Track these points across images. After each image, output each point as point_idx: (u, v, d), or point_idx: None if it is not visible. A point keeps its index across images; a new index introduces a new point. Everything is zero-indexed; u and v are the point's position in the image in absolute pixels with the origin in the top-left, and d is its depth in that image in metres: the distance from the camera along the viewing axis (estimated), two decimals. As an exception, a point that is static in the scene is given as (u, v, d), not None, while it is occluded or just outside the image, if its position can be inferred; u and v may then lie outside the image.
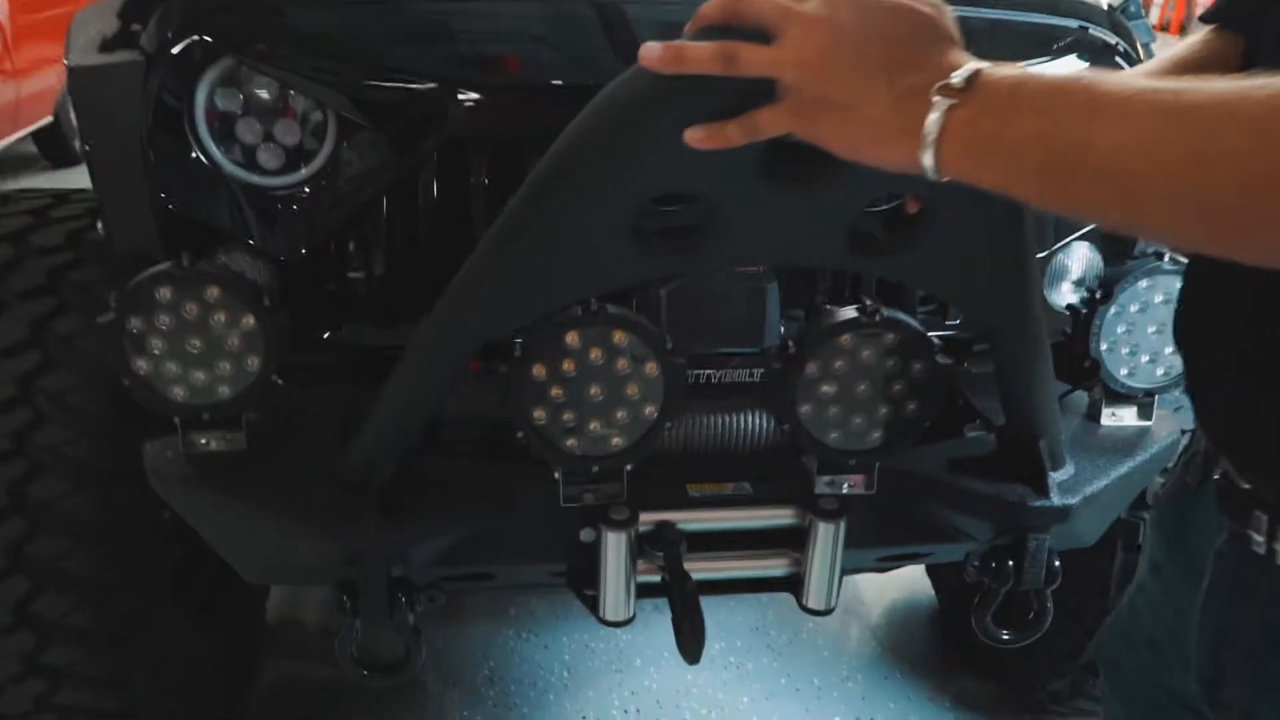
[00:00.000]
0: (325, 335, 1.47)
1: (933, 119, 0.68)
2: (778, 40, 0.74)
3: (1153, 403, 1.46)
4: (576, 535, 1.30)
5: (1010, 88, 0.67)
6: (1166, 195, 0.59)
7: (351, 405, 1.37)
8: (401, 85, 1.39)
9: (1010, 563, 1.33)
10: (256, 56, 1.38)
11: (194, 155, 1.40)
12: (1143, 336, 1.40)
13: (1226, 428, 0.83)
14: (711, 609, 1.26)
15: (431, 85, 1.38)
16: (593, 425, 1.19)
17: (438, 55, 1.45)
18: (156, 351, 1.23)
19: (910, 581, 2.67)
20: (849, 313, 1.17)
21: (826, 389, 1.21)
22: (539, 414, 1.18)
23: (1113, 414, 1.47)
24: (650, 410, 1.19)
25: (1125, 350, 1.40)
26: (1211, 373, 0.83)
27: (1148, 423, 1.47)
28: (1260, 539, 0.78)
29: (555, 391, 1.17)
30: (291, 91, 1.40)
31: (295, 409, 1.39)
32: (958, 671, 2.39)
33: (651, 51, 0.79)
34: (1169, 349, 1.41)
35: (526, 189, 0.95)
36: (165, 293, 1.21)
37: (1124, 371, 1.42)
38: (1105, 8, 1.58)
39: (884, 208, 1.03)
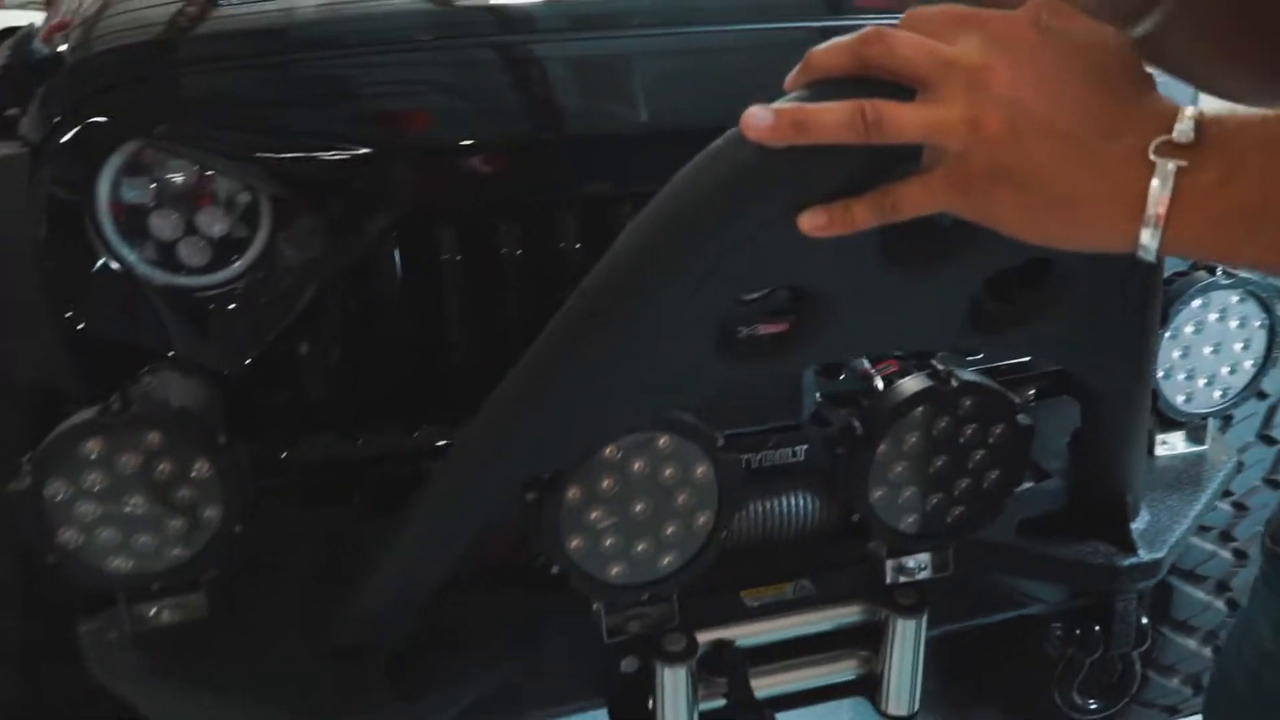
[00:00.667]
0: (282, 455, 1.25)
1: (1157, 186, 0.53)
2: (932, 94, 0.58)
3: (1205, 426, 1.36)
4: (618, 667, 1.11)
5: (1252, 139, 0.52)
6: None
7: (323, 536, 1.17)
8: (341, 155, 1.18)
9: (1097, 628, 1.19)
10: (167, 137, 1.15)
11: (100, 260, 1.16)
12: (1199, 359, 1.29)
13: None
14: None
15: (377, 152, 1.17)
16: (640, 547, 1.00)
17: (381, 116, 1.25)
18: (87, 519, 0.99)
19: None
20: (921, 382, 1.01)
21: (900, 469, 1.05)
22: (577, 543, 0.98)
23: (1164, 442, 1.36)
24: (704, 520, 1.01)
25: (1182, 375, 1.29)
26: None
27: (1202, 447, 1.36)
28: None
29: (594, 515, 0.98)
30: (212, 173, 1.17)
31: (259, 553, 1.16)
32: (966, 707, 2.29)
33: (759, 120, 0.61)
34: (1226, 369, 1.31)
35: (588, 294, 0.76)
36: (93, 447, 0.97)
37: (1181, 399, 1.30)
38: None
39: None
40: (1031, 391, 1.55)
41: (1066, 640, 1.21)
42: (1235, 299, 1.27)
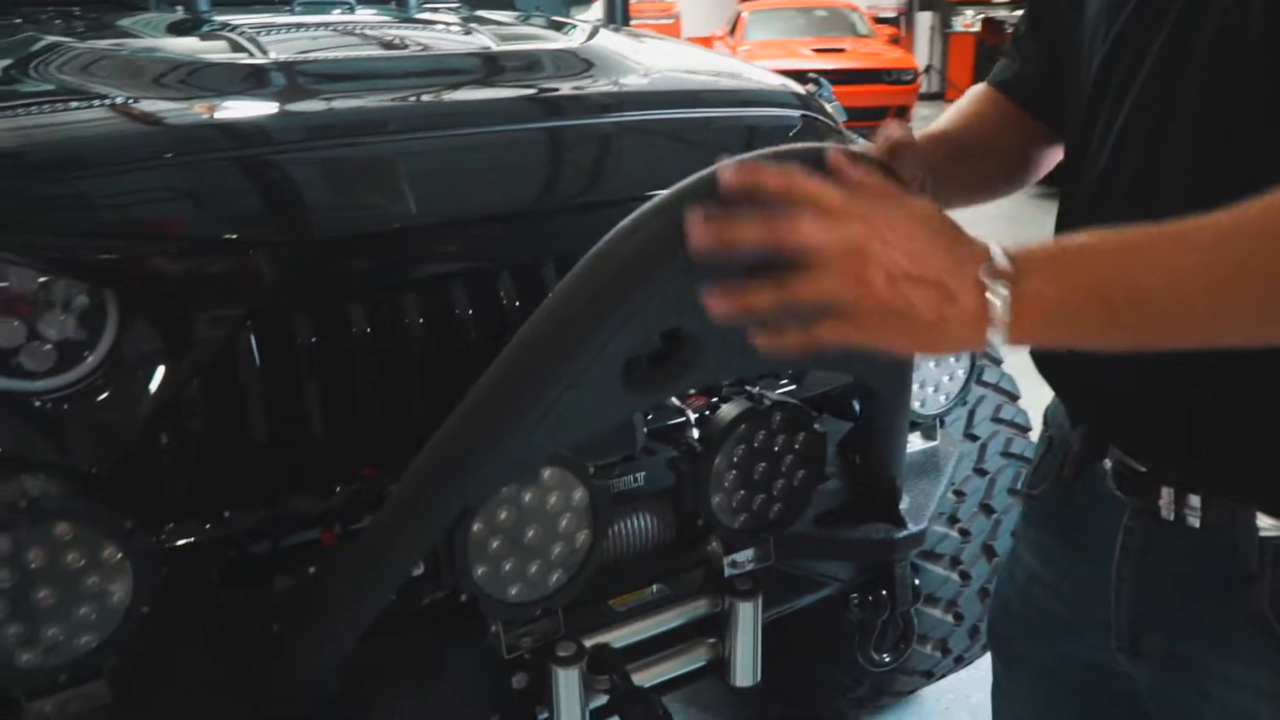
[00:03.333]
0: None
1: (998, 304, 0.74)
2: (825, 262, 0.76)
3: (935, 425, 1.70)
4: (509, 685, 1.25)
5: (1047, 255, 0.76)
6: (1225, 314, 0.72)
7: (199, 620, 1.21)
8: (193, 254, 1.25)
9: (884, 592, 1.48)
10: (4, 248, 1.18)
11: None
12: (928, 372, 1.63)
13: (1122, 421, 0.96)
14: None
15: (227, 250, 1.26)
16: (533, 568, 1.16)
17: (222, 216, 1.32)
18: (-4, 618, 1.01)
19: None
20: (743, 404, 1.26)
21: (731, 477, 1.28)
22: (481, 571, 1.12)
23: (909, 442, 1.68)
24: (583, 538, 1.19)
25: (916, 385, 1.62)
26: (1096, 374, 0.94)
27: (935, 442, 1.71)
28: (1168, 508, 0.92)
29: (496, 545, 1.13)
30: (52, 280, 1.21)
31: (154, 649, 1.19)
32: (768, 704, 2.54)
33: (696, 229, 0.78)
34: (946, 378, 1.66)
35: (522, 346, 0.92)
36: (1, 544, 1.00)
37: (918, 405, 1.64)
38: (803, 93, 1.80)
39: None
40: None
41: (862, 606, 1.48)
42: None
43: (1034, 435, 2.11)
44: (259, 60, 1.49)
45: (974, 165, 1.11)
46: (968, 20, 14.61)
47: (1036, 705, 1.12)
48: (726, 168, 0.78)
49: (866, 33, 12.06)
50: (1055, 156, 1.11)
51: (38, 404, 1.21)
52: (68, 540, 1.03)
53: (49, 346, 1.21)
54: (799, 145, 0.87)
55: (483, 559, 1.12)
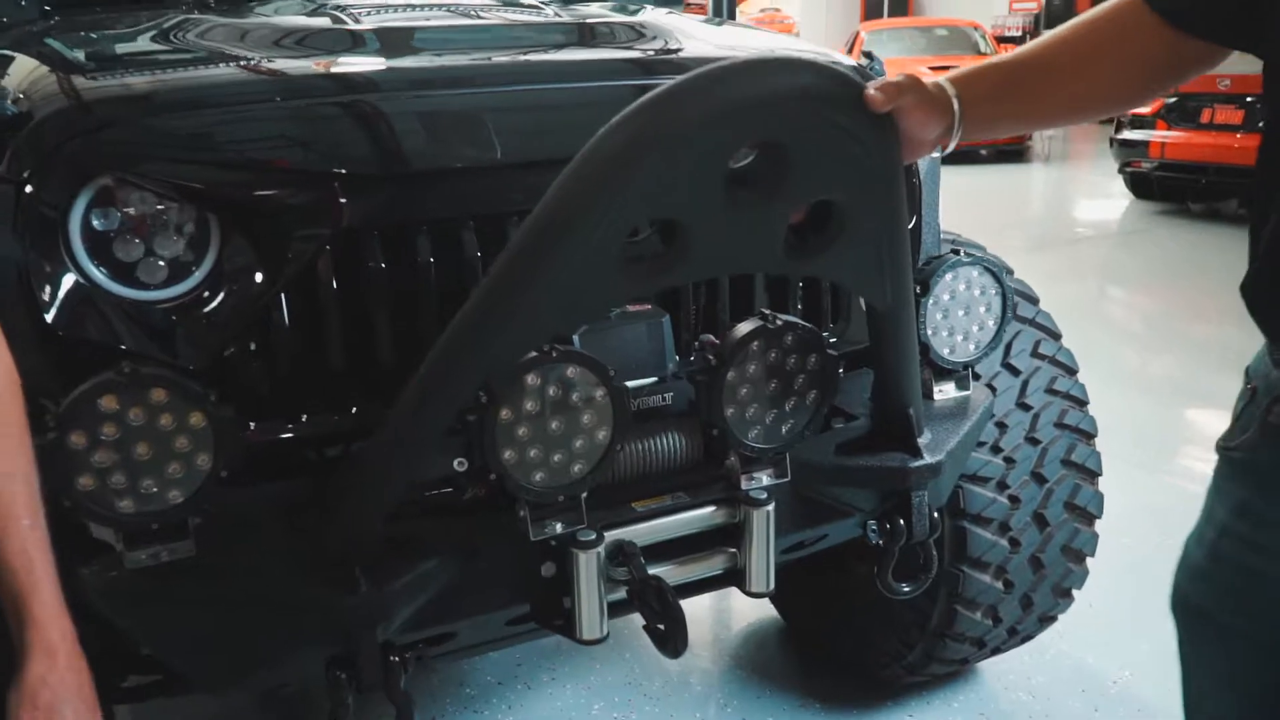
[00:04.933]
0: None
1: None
2: None
3: (969, 375, 1.77)
4: (539, 572, 1.39)
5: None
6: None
7: (285, 506, 1.38)
8: (285, 184, 1.45)
9: (901, 520, 1.56)
10: (132, 173, 1.40)
11: (74, 279, 1.38)
12: (956, 319, 1.71)
13: None
14: (581, 673, 1.36)
15: (314, 181, 1.45)
16: (556, 457, 1.30)
17: (318, 151, 1.51)
18: (102, 465, 1.20)
19: (756, 613, 2.88)
20: (754, 322, 1.37)
21: (745, 391, 1.39)
22: (509, 454, 1.27)
23: (940, 390, 1.76)
24: (603, 434, 1.32)
25: (945, 333, 1.71)
26: None
27: (967, 392, 1.78)
28: None
29: (522, 430, 1.27)
30: (166, 205, 1.42)
31: (232, 513, 1.38)
32: (819, 675, 2.61)
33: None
34: (976, 327, 1.73)
35: (531, 229, 1.07)
36: (108, 402, 1.20)
37: (946, 351, 1.71)
38: (857, 65, 1.92)
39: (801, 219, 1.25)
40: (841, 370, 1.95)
41: (879, 533, 1.57)
42: (976, 273, 1.71)
43: (1081, 378, 2.14)
44: (349, 26, 1.70)
45: (1069, 84, 1.19)
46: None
47: (1231, 664, 1.08)
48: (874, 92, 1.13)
49: (988, 51, 11.92)
50: (1188, 75, 1.15)
51: (149, 312, 1.42)
52: (162, 404, 1.22)
53: (162, 262, 1.42)
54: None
55: (510, 443, 1.27)
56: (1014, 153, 11.96)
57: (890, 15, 16.74)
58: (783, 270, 1.49)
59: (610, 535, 1.38)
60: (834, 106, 1.09)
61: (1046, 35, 1.22)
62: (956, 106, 1.19)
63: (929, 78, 1.23)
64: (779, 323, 1.38)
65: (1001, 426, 2.05)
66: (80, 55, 1.71)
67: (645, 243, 1.16)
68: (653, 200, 1.02)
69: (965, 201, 8.57)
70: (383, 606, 1.25)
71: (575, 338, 1.44)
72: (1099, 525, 2.18)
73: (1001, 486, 2.07)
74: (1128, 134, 8.42)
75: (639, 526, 1.41)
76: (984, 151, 11.73)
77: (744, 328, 1.38)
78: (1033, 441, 2.09)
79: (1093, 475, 2.12)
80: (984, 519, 2.07)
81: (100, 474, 1.21)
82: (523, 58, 1.65)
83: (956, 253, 1.70)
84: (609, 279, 1.10)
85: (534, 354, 1.25)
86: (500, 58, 1.65)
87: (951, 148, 1.27)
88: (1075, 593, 2.24)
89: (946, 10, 16.14)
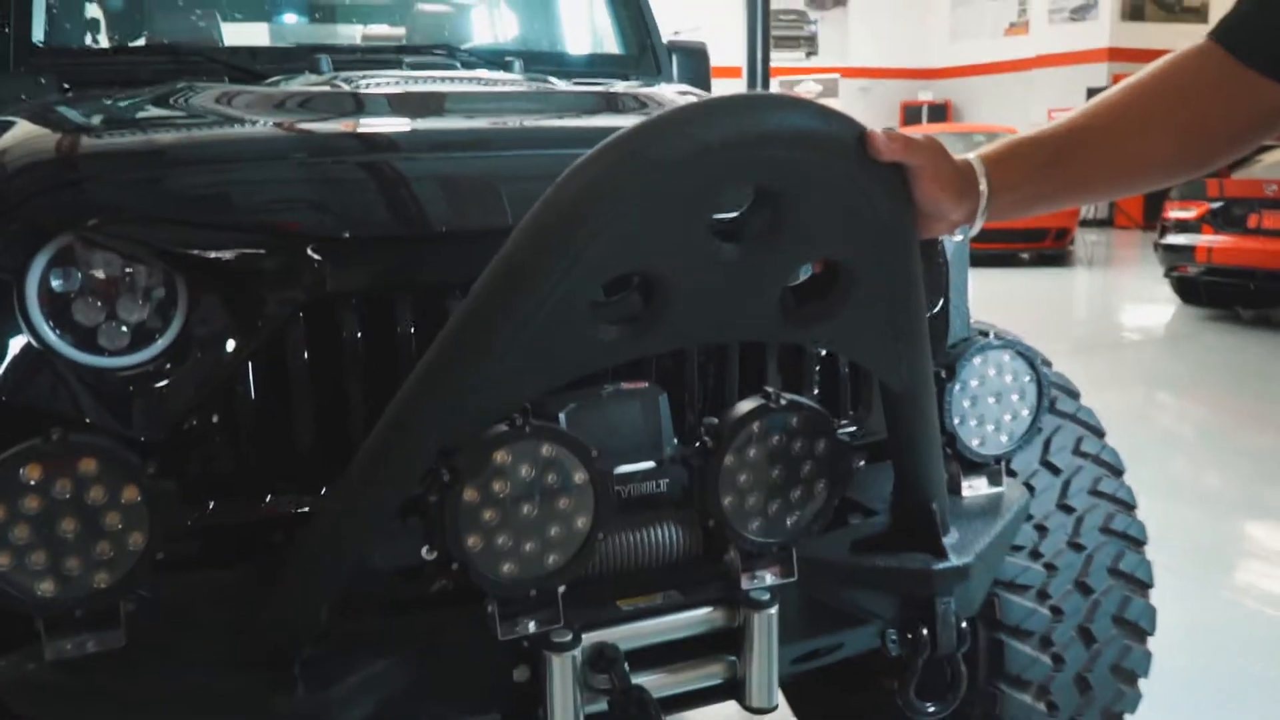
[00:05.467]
0: (189, 521, 1.35)
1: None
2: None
3: (1001, 470, 1.61)
4: (510, 676, 1.23)
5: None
6: None
7: (229, 592, 1.26)
8: (258, 248, 1.36)
9: (924, 630, 1.39)
10: (97, 231, 1.31)
11: (26, 341, 1.29)
12: (985, 407, 1.56)
13: None
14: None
15: (288, 244, 1.36)
16: (528, 545, 1.16)
17: (287, 216, 1.43)
18: (20, 542, 1.08)
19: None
20: (755, 401, 1.24)
21: (744, 478, 1.25)
22: (474, 541, 1.13)
23: (970, 486, 1.60)
24: (582, 522, 1.18)
25: (973, 422, 1.55)
26: None
27: (1000, 489, 1.61)
28: None
29: (489, 514, 1.14)
30: (132, 267, 1.33)
31: (169, 601, 1.25)
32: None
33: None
34: (1008, 417, 1.58)
35: (484, 284, 0.96)
36: (32, 472, 1.08)
37: (975, 442, 1.56)
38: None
39: (802, 282, 1.13)
40: (862, 460, 1.80)
41: (900, 644, 1.39)
42: (1007, 358, 1.56)
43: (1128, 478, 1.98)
44: (343, 90, 1.64)
45: (1127, 149, 1.07)
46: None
47: None
48: (879, 135, 1.02)
49: (1026, 157, 11.91)
50: (1272, 128, 1.03)
51: (106, 380, 1.32)
52: (92, 476, 1.10)
53: (124, 326, 1.33)
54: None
55: (475, 528, 1.13)
56: (1055, 256, 11.84)
57: (929, 122, 16.91)
58: (782, 338, 1.36)
59: (590, 637, 1.23)
60: (831, 149, 0.96)
61: (1092, 103, 1.09)
62: (984, 188, 1.09)
63: (959, 155, 1.12)
64: (783, 402, 1.24)
65: (1041, 530, 1.89)
66: (67, 118, 1.67)
67: (624, 302, 1.03)
68: (624, 251, 0.90)
69: (1004, 304, 8.43)
70: (322, 712, 1.10)
71: (561, 415, 1.31)
72: (1150, 642, 1.98)
73: (1042, 596, 1.89)
74: (1173, 238, 8.28)
75: (623, 628, 1.25)
76: (1024, 255, 11.63)
77: (744, 406, 1.24)
78: (1076, 547, 1.92)
79: (1143, 586, 1.93)
80: (1023, 631, 1.88)
81: (18, 552, 1.09)
82: (521, 122, 1.58)
83: (985, 334, 1.56)
84: (579, 341, 0.97)
85: (505, 429, 1.12)
86: (494, 121, 1.57)
87: (976, 230, 1.16)
88: (1127, 718, 2.02)
89: (984, 118, 16.29)
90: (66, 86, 2.31)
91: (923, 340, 1.17)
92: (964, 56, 17.76)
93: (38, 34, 2.48)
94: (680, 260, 0.94)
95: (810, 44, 17.76)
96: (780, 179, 0.96)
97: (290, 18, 3.35)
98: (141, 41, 2.85)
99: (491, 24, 3.43)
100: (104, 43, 2.84)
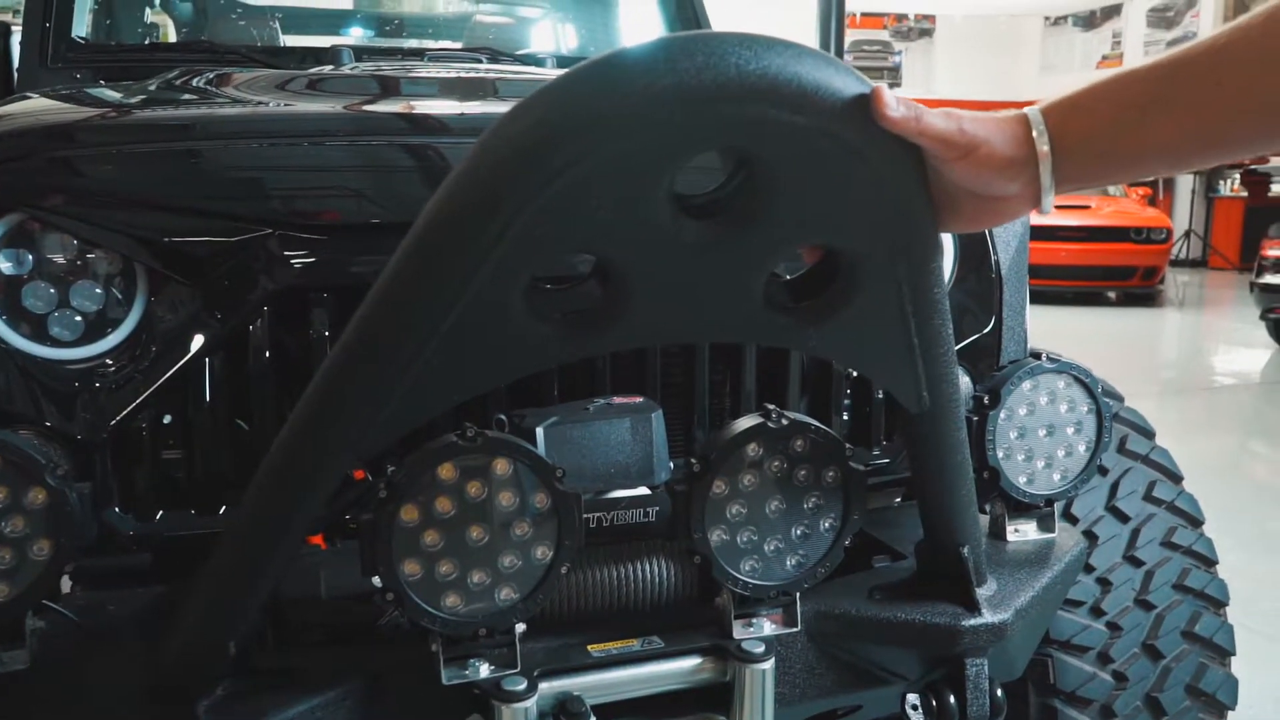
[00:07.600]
0: (131, 532, 1.23)
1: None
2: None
3: (1053, 513, 1.41)
4: (459, 727, 1.07)
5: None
6: None
7: (149, 614, 1.13)
8: (224, 234, 1.24)
9: (950, 696, 1.19)
10: (52, 210, 1.21)
11: None
12: (1035, 440, 1.36)
13: None
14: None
15: (257, 231, 1.24)
16: (476, 576, 1.00)
17: (255, 201, 1.31)
18: (-90, 549, 0.97)
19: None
20: (752, 419, 1.06)
21: (737, 509, 1.07)
22: (411, 568, 0.98)
23: (1016, 530, 1.40)
24: (542, 552, 1.02)
25: (1021, 457, 1.35)
26: None
27: (1051, 535, 1.40)
28: None
29: (430, 538, 0.98)
30: (89, 251, 1.22)
31: (91, 617, 1.12)
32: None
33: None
34: (1062, 453, 1.37)
35: (393, 271, 0.81)
36: (-76, 471, 0.97)
37: (1023, 479, 1.36)
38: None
39: (796, 276, 0.95)
40: (898, 500, 1.61)
41: (925, 710, 1.20)
42: (1062, 384, 1.36)
43: (1222, 540, 1.75)
44: (339, 72, 1.52)
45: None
46: (1236, 184, 13.69)
47: None
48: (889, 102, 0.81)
49: (1116, 191, 11.47)
50: None
51: (53, 372, 1.22)
52: (-10, 477, 0.98)
53: (79, 316, 1.22)
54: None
55: (413, 552, 0.98)
56: (1144, 296, 11.34)
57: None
58: (766, 340, 1.17)
59: (551, 685, 1.06)
60: (824, 108, 0.78)
61: (1211, 34, 0.82)
62: (1046, 146, 0.84)
63: (1008, 111, 0.90)
64: (784, 422, 1.06)
65: (1104, 584, 1.67)
66: (52, 98, 1.58)
67: (571, 293, 0.87)
68: (561, 231, 0.74)
69: (1089, 345, 8.06)
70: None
71: (539, 430, 1.16)
72: (1231, 718, 1.74)
73: (1104, 660, 1.67)
74: (1269, 278, 7.82)
75: (592, 676, 1.08)
76: (1111, 294, 11.16)
77: (739, 425, 1.07)
78: (1145, 605, 1.70)
79: (1223, 654, 1.69)
80: (1080, 699, 1.67)
81: (-94, 559, 0.97)
82: (497, 107, 1.43)
83: (1037, 356, 1.36)
84: (510, 340, 0.82)
85: (453, 439, 0.97)
86: (489, 106, 1.43)
87: (1048, 207, 0.88)
88: (1201, 809, 1.77)
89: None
90: (102, 82, 2.26)
91: (947, 356, 0.98)
92: (1053, 89, 17.21)
93: (79, 29, 2.46)
94: (633, 241, 0.78)
95: (894, 75, 17.48)
96: (758, 143, 0.77)
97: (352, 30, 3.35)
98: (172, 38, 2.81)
99: (542, 35, 3.34)
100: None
